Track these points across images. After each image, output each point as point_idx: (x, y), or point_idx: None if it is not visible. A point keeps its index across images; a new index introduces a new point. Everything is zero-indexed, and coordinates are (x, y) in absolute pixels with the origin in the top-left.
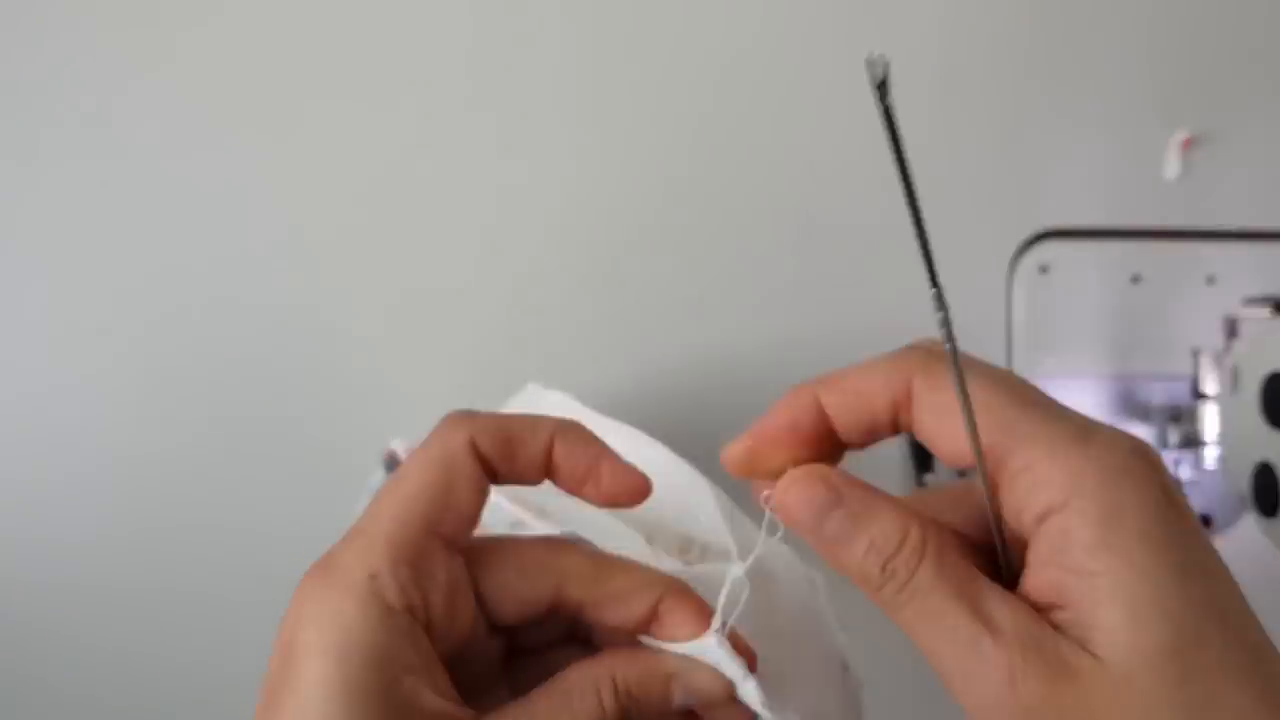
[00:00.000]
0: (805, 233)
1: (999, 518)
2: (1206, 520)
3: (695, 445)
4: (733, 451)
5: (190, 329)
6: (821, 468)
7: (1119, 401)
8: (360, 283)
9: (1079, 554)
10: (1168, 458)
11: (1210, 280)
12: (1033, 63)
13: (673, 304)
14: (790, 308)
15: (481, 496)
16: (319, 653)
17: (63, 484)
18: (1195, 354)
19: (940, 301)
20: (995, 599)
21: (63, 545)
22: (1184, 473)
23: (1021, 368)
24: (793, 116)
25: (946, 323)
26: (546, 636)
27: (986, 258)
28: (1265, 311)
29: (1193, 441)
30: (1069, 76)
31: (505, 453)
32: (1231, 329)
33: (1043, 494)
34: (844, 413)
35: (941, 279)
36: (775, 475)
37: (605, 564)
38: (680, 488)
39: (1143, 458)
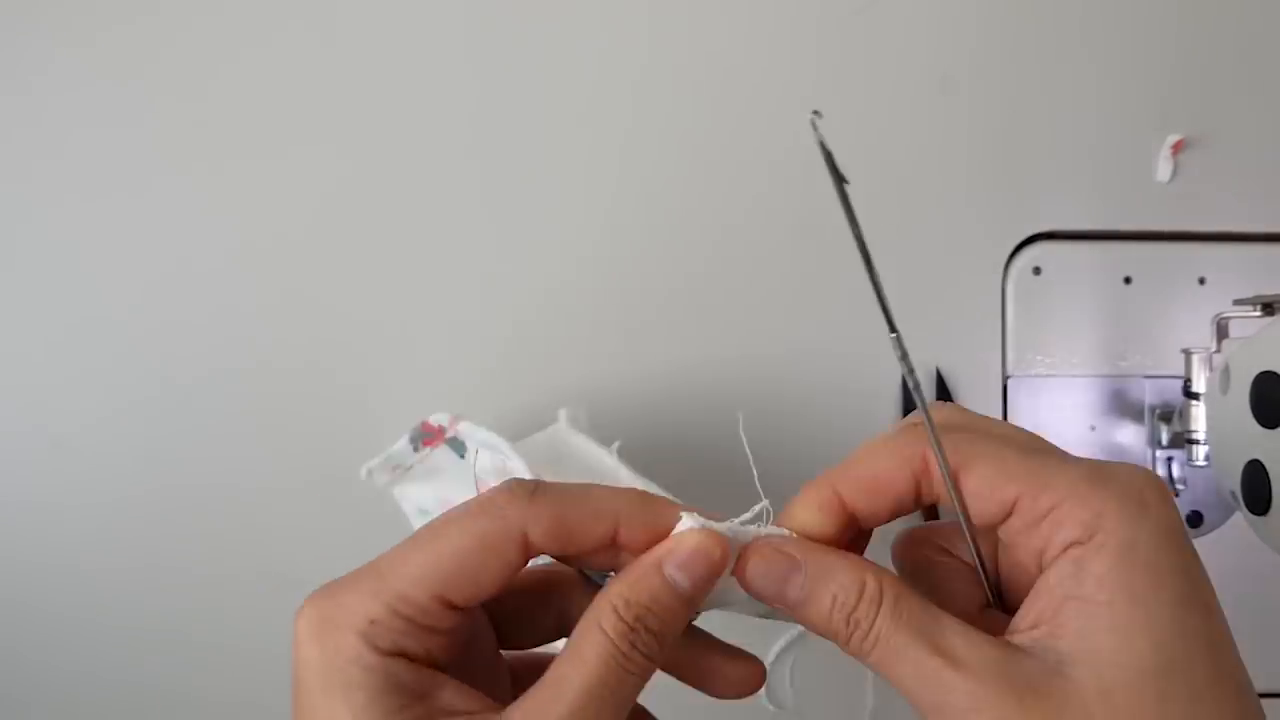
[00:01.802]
0: (801, 241)
1: (977, 544)
2: (1197, 518)
3: (695, 453)
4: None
5: (195, 332)
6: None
7: (1111, 401)
8: (365, 286)
9: (1090, 584)
10: (1159, 456)
11: (1201, 281)
12: (1026, 67)
13: (675, 314)
14: (790, 318)
15: (512, 577)
16: (322, 693)
17: (62, 485)
18: (1186, 354)
19: (900, 347)
20: (954, 632)
21: (62, 545)
22: (1175, 471)
23: (1015, 368)
24: (789, 120)
25: (908, 368)
26: None
27: (981, 260)
28: (1255, 312)
29: (1183, 440)
30: (1062, 81)
31: (559, 546)
32: (1222, 329)
33: (1067, 533)
34: (866, 502)
35: (939, 280)
36: None
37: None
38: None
39: (1157, 492)
